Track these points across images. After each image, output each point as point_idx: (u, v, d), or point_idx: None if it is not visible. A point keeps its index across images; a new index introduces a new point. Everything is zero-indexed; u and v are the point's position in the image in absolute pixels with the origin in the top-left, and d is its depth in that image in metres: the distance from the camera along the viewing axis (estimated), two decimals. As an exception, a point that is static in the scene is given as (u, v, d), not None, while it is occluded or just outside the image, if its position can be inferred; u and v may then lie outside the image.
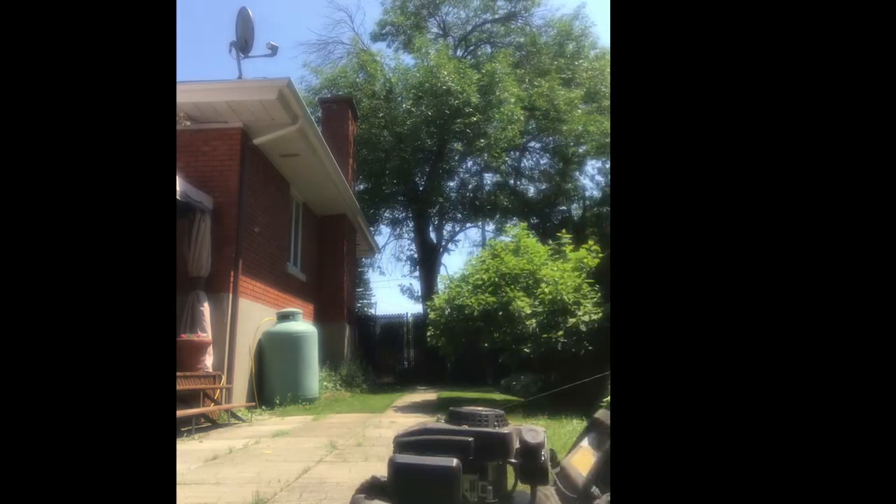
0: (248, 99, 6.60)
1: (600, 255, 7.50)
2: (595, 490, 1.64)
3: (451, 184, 18.96)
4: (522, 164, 20.18)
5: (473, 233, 24.34)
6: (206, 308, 6.22)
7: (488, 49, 20.52)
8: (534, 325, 6.84)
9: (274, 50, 7.80)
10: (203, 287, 6.30)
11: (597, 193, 18.25)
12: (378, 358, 14.50)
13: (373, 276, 26.18)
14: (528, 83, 17.42)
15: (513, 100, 15.82)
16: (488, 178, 19.41)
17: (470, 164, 18.88)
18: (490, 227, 19.45)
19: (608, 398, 4.73)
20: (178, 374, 5.14)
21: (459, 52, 20.11)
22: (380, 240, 19.08)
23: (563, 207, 18.78)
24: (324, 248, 10.98)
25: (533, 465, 1.33)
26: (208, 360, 6.11)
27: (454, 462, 1.26)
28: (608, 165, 16.43)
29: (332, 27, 33.33)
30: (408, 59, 18.84)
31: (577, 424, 4.70)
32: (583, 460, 1.81)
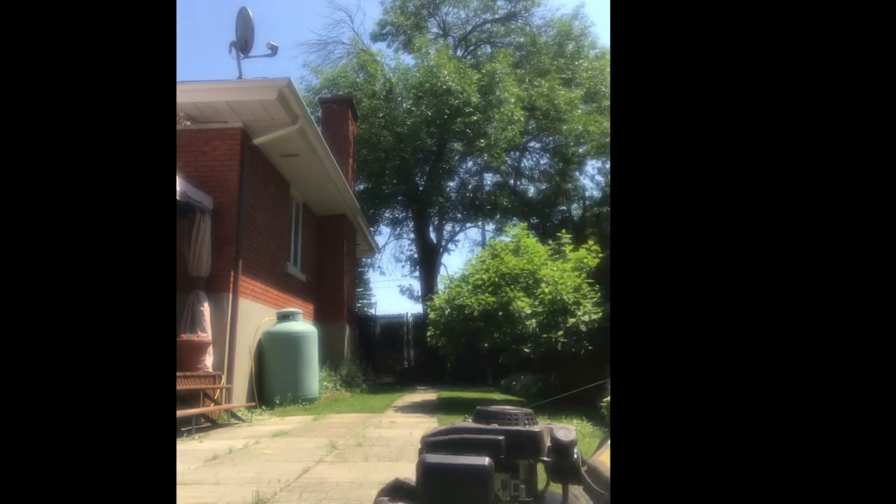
0: (248, 99, 6.60)
1: (600, 255, 7.50)
2: None
3: (451, 184, 18.98)
4: (522, 164, 20.19)
5: (473, 233, 24.36)
6: (206, 308, 6.22)
7: (488, 49, 20.53)
8: (534, 325, 6.84)
9: (274, 50, 7.80)
10: (203, 287, 6.30)
11: (597, 193, 18.26)
12: (378, 358, 14.50)
13: (373, 276, 26.22)
14: (528, 83, 17.42)
15: (513, 100, 15.82)
16: (488, 178, 19.44)
17: (470, 164, 18.89)
18: (490, 227, 19.48)
19: (608, 398, 4.74)
20: (178, 374, 5.15)
21: (459, 52, 20.12)
22: (380, 240, 19.12)
23: (563, 207, 18.79)
24: (324, 248, 10.98)
25: (565, 463, 1.31)
26: (208, 360, 6.11)
27: (486, 461, 1.24)
28: (608, 165, 16.44)
29: (332, 27, 33.40)
30: (408, 59, 18.88)
31: (577, 424, 4.70)
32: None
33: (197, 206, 6.25)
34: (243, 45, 7.47)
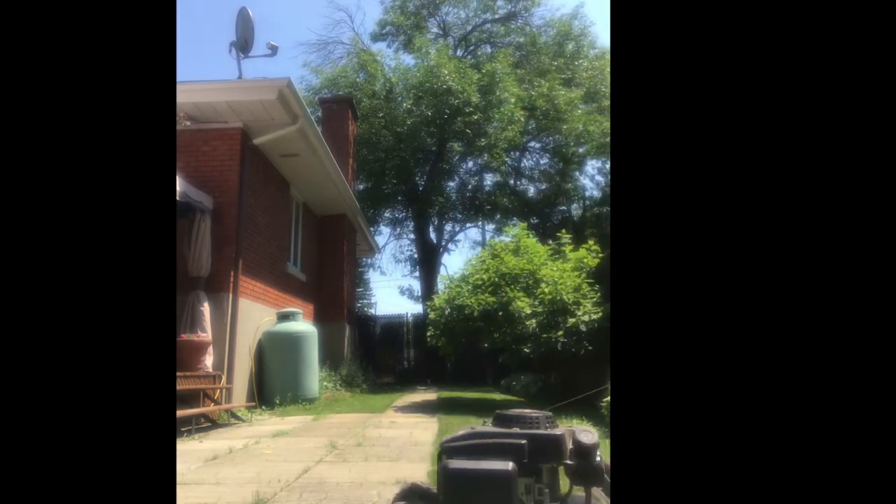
0: (248, 99, 6.61)
1: (600, 255, 7.50)
2: None
3: (451, 184, 18.97)
4: (522, 164, 20.20)
5: (473, 233, 24.36)
6: (206, 308, 6.22)
7: (488, 49, 20.54)
8: (534, 325, 6.84)
9: (274, 50, 7.80)
10: (203, 287, 6.30)
11: (597, 193, 18.25)
12: (378, 358, 14.50)
13: (373, 276, 26.24)
14: (528, 83, 17.42)
15: (513, 100, 15.83)
16: (488, 178, 19.44)
17: (470, 164, 18.89)
18: (490, 227, 19.48)
19: (608, 399, 4.75)
20: (178, 374, 5.15)
21: (459, 52, 20.12)
22: (380, 240, 19.11)
23: (563, 207, 18.78)
24: (324, 248, 10.98)
25: (588, 466, 1.29)
26: (208, 360, 6.11)
27: (510, 465, 1.23)
28: (608, 165, 16.43)
29: (332, 27, 33.44)
30: (408, 59, 18.88)
31: (577, 424, 4.70)
32: None
33: (197, 206, 6.25)
34: (243, 45, 7.47)
